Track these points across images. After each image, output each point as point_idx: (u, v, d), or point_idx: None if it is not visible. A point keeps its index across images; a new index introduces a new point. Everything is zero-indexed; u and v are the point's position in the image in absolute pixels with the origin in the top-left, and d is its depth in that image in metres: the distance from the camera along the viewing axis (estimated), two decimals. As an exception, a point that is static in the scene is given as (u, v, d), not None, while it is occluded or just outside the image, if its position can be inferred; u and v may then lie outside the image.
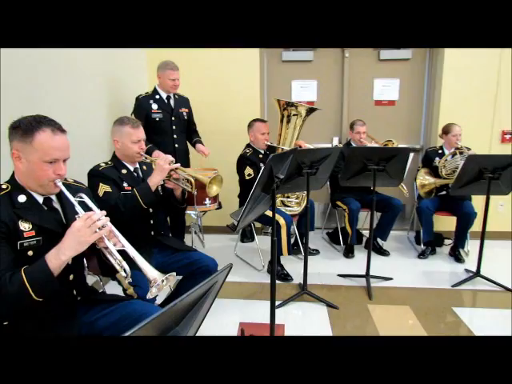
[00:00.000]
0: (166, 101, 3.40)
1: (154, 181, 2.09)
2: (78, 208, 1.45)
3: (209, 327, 2.48)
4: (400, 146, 3.84)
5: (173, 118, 3.40)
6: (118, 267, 1.40)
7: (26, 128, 1.36)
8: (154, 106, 3.34)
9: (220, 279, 1.09)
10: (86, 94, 2.97)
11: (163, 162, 2.10)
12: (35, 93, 2.34)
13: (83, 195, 1.52)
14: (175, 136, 3.42)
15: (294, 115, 3.23)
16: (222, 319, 2.60)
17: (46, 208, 1.48)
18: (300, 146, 3.24)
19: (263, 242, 3.85)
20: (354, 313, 2.72)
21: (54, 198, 1.53)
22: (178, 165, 2.19)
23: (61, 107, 2.59)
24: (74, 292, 1.58)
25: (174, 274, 1.42)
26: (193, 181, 2.21)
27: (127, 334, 0.77)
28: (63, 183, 1.49)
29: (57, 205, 1.53)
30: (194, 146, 3.59)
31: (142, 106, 3.31)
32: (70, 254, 1.31)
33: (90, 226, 1.33)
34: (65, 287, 1.50)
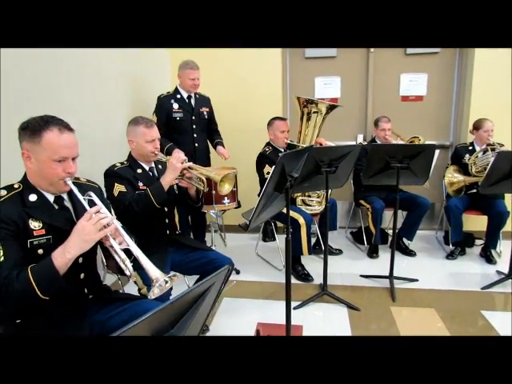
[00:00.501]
0: (186, 100, 3.42)
1: (167, 180, 2.09)
2: (87, 206, 1.46)
3: (228, 326, 2.48)
4: (427, 142, 3.70)
5: (193, 118, 3.42)
6: (122, 266, 1.40)
7: (33, 128, 1.38)
8: (175, 106, 3.36)
9: (219, 280, 1.06)
10: (110, 93, 3.02)
11: (175, 160, 2.09)
12: (58, 93, 2.39)
13: (91, 193, 1.53)
14: (195, 135, 3.43)
15: (314, 112, 3.16)
16: (241, 319, 2.59)
17: (56, 207, 1.50)
18: (320, 144, 3.17)
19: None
20: (376, 315, 2.63)
21: (65, 197, 1.55)
22: (191, 163, 2.18)
23: (85, 107, 2.65)
24: (85, 290, 1.60)
25: (178, 274, 1.41)
26: (205, 179, 2.20)
27: (119, 332, 0.75)
28: (75, 182, 1.51)
29: (68, 204, 1.55)
30: (214, 147, 3.58)
31: (163, 106, 3.35)
32: (75, 252, 1.32)
33: (95, 224, 1.33)
34: (75, 285, 1.52)
